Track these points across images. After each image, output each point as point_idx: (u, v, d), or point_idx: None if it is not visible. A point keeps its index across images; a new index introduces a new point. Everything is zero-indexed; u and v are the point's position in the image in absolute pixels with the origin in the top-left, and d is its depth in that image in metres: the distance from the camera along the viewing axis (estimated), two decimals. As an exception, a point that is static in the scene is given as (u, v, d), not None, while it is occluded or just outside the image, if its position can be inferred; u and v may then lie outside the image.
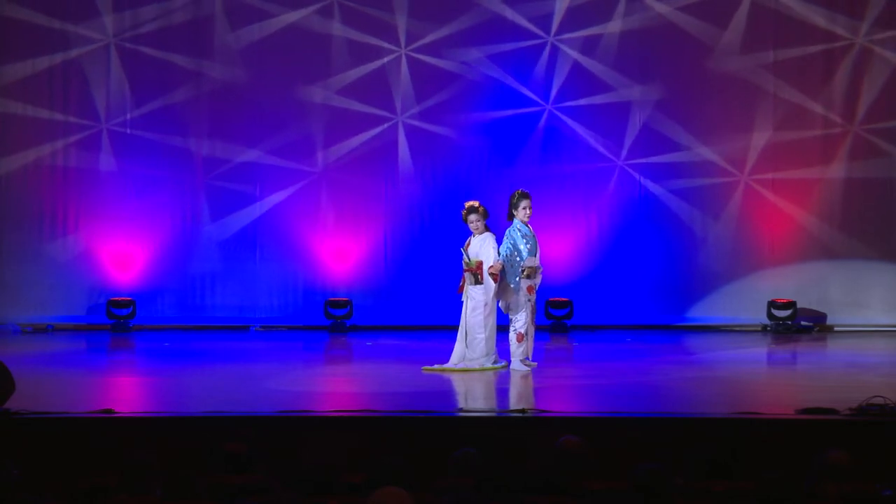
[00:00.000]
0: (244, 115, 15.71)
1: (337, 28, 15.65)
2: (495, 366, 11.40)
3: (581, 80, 15.66)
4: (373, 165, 15.78)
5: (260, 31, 15.68)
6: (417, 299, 15.59)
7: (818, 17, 15.45)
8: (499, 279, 11.28)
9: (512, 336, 11.37)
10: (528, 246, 11.34)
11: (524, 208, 11.41)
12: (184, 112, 15.69)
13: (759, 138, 15.56)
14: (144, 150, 15.64)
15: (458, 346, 11.47)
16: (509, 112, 15.69)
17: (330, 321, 15.51)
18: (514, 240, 11.34)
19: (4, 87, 15.61)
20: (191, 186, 15.75)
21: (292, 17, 15.69)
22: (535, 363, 11.57)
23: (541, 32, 15.58)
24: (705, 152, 15.63)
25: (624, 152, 15.65)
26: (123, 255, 15.68)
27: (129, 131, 15.64)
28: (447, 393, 10.40)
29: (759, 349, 14.16)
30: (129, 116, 15.65)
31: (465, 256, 11.47)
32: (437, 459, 6.85)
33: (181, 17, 15.64)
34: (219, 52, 15.68)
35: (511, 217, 11.48)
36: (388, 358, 12.84)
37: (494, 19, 15.59)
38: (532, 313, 11.46)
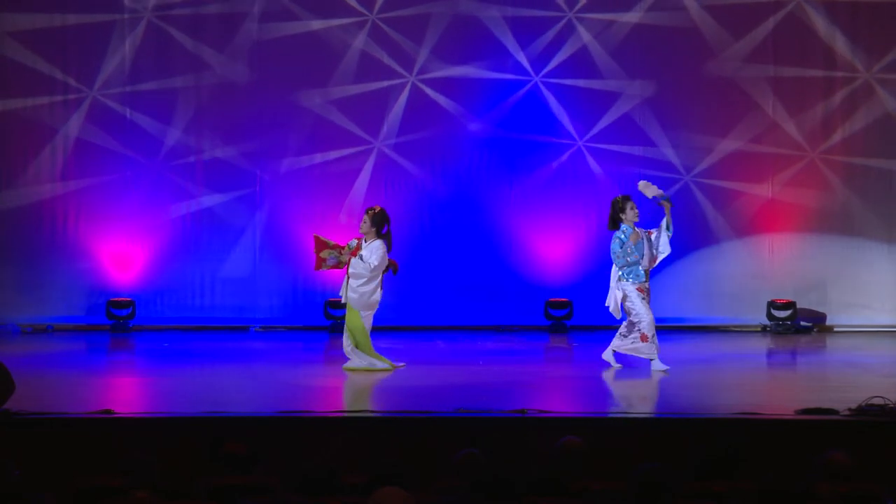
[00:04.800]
0: (244, 116, 15.68)
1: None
2: (395, 364, 11.71)
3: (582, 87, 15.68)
4: (372, 166, 15.76)
5: (268, 34, 15.67)
6: (417, 299, 15.56)
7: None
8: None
9: (635, 338, 11.50)
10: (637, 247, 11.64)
11: (632, 209, 11.73)
12: (184, 113, 15.68)
13: (759, 139, 15.57)
14: (144, 151, 15.62)
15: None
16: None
17: (330, 321, 15.48)
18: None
19: (5, 90, 15.59)
20: (191, 187, 15.73)
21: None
22: (668, 367, 11.44)
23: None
24: (705, 152, 15.63)
25: (624, 154, 15.65)
26: (123, 255, 15.67)
27: (128, 132, 15.64)
28: (447, 393, 10.39)
29: (758, 349, 14.16)
30: (128, 116, 15.64)
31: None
32: (437, 459, 6.85)
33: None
34: (221, 51, 15.68)
35: (617, 223, 11.68)
36: (387, 358, 12.81)
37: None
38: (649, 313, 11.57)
